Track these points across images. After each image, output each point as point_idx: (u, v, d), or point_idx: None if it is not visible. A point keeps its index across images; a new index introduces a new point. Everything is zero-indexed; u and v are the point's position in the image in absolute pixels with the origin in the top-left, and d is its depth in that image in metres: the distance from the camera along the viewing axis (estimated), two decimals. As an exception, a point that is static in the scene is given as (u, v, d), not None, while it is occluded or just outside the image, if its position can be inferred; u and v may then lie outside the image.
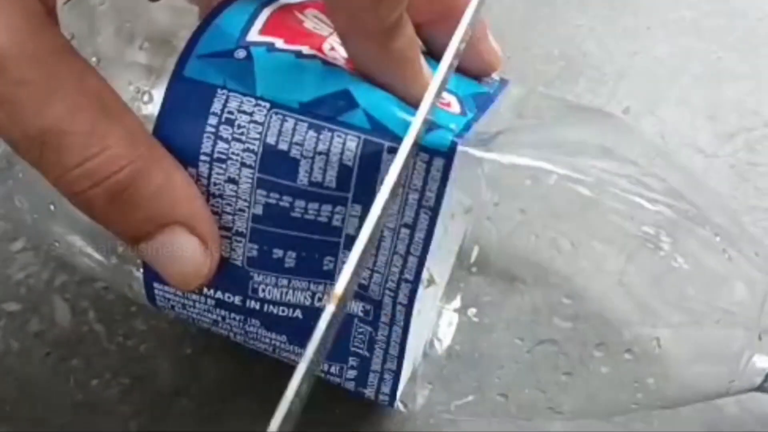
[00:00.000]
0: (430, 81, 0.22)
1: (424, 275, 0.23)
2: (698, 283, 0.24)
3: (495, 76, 0.26)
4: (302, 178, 0.22)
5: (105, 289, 0.32)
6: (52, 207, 0.25)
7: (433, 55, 0.25)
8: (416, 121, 0.21)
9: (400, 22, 0.21)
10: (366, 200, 0.22)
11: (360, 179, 0.22)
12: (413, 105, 0.22)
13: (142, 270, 0.25)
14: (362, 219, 0.22)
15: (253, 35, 0.23)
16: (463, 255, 0.23)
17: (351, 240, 0.23)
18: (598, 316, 0.23)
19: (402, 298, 0.23)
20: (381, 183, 0.22)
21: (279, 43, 0.23)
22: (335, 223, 0.22)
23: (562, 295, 0.23)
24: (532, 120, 0.26)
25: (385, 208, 0.19)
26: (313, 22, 0.24)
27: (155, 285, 0.25)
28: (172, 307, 0.25)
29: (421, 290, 0.23)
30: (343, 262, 0.23)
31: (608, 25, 0.41)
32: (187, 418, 0.29)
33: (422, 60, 0.23)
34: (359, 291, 0.23)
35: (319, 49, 0.23)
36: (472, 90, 0.25)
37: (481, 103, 0.24)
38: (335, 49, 0.23)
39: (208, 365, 0.31)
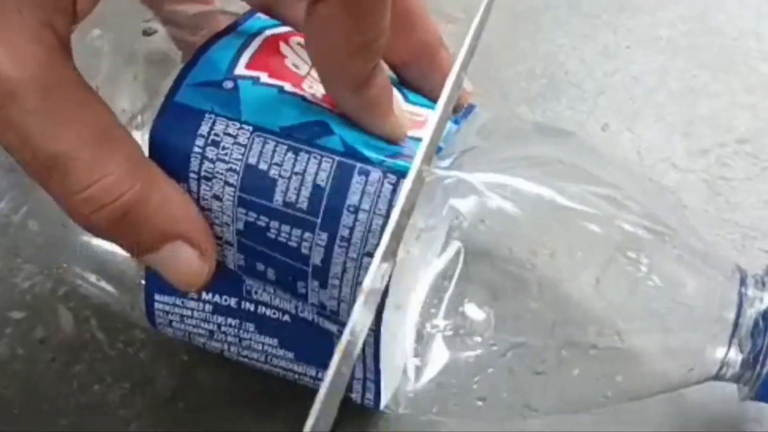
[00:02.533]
0: (403, 121, 0.24)
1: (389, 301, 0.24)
2: (667, 295, 0.25)
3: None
4: (278, 197, 0.23)
5: (106, 299, 0.34)
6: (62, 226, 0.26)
7: (409, 88, 0.27)
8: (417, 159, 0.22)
9: (375, 71, 0.23)
10: (332, 229, 0.23)
11: (330, 202, 0.23)
12: (385, 141, 0.24)
13: (143, 281, 0.26)
14: (327, 249, 0.23)
15: (240, 69, 0.24)
16: (444, 272, 0.24)
17: (318, 270, 0.24)
18: (571, 319, 0.24)
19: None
20: (348, 209, 0.23)
21: (263, 77, 0.24)
22: (303, 250, 0.24)
23: (540, 302, 0.24)
24: (500, 140, 0.27)
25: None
26: (294, 56, 0.26)
27: (156, 296, 0.26)
28: (170, 322, 0.26)
29: (387, 314, 0.24)
30: (312, 290, 0.24)
31: (589, 44, 0.42)
32: (184, 421, 0.30)
33: (394, 102, 0.24)
34: (332, 315, 0.25)
35: (300, 87, 0.24)
36: None
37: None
38: (314, 87, 0.25)
39: (203, 372, 0.31)
